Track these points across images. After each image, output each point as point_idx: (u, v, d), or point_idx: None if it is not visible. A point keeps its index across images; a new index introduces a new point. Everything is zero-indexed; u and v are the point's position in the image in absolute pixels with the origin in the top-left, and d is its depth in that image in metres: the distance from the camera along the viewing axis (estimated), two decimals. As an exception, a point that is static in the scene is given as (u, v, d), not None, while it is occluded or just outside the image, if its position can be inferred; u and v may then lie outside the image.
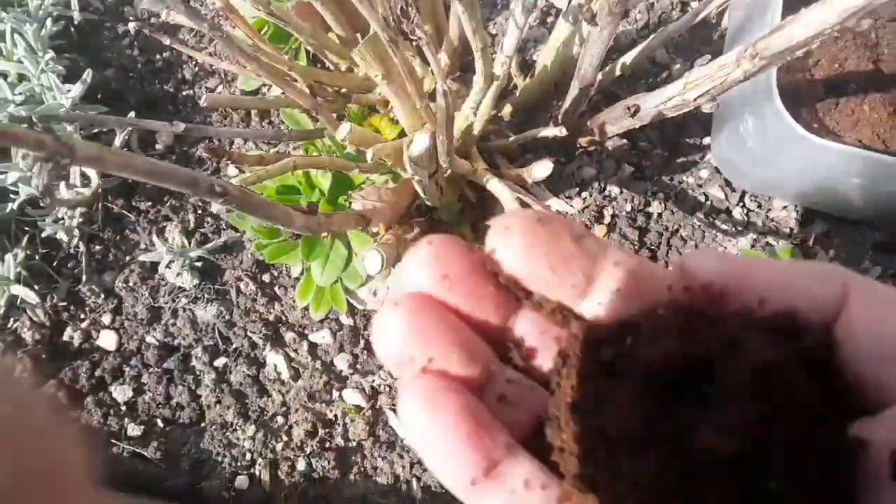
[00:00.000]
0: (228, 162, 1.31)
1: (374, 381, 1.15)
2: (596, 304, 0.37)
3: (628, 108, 0.97)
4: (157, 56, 1.42)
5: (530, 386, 0.37)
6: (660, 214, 1.20)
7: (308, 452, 1.10)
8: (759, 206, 1.21)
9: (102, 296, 1.23)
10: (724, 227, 1.19)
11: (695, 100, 0.86)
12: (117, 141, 1.23)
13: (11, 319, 1.21)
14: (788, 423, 0.31)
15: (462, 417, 0.34)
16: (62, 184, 1.11)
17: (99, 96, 1.30)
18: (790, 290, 0.34)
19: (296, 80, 1.07)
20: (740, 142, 1.06)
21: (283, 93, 1.07)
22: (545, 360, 0.38)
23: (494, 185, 0.91)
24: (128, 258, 1.26)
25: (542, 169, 0.91)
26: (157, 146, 1.32)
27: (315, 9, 1.11)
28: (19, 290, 1.15)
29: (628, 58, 1.07)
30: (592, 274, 0.36)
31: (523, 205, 0.88)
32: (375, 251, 0.87)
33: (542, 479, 0.35)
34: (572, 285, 0.36)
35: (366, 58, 0.82)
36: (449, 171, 0.93)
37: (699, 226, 1.19)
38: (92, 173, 1.04)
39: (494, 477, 0.34)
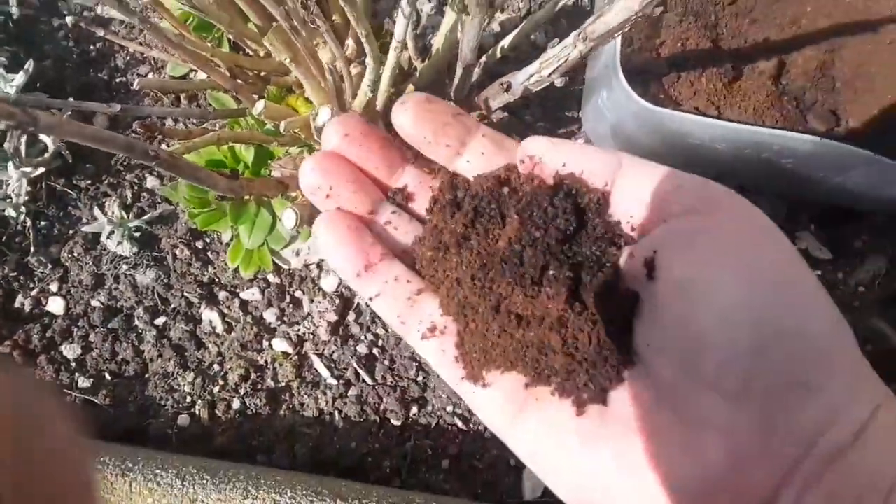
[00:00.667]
0: (159, 139, 1.44)
1: (299, 330, 1.31)
2: (465, 163, 0.58)
3: (502, 85, 1.15)
4: (91, 47, 1.54)
5: (409, 219, 0.59)
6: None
7: (242, 394, 1.26)
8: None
9: (49, 266, 1.35)
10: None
11: (549, 76, 1.05)
12: (57, 125, 1.35)
13: (-36, 290, 1.33)
14: (549, 238, 0.52)
15: (349, 230, 0.56)
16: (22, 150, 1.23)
17: (38, 85, 1.41)
18: (580, 163, 0.54)
19: (219, 66, 1.22)
20: (600, 113, 1.26)
21: (207, 77, 1.23)
22: (422, 203, 0.60)
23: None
24: (71, 231, 1.38)
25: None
26: (96, 125, 1.45)
27: (233, 0, 1.26)
28: (-29, 262, 1.27)
29: (506, 41, 1.25)
30: (465, 140, 0.58)
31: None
32: (291, 209, 1.03)
33: (408, 276, 0.57)
34: (447, 145, 0.57)
35: (274, 44, 0.98)
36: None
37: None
38: (48, 141, 1.18)
39: (373, 272, 0.56)
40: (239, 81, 1.12)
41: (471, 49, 1.14)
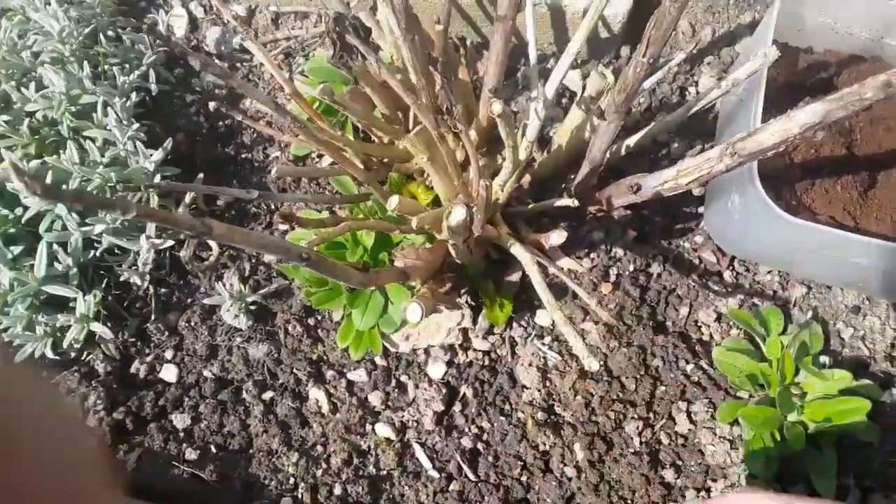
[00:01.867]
0: (280, 220, 1.49)
1: (403, 416, 1.30)
2: None
3: (631, 187, 1.14)
4: (220, 123, 1.62)
5: None
6: (659, 275, 1.36)
7: (344, 479, 1.25)
8: (747, 270, 1.37)
9: (166, 333, 1.39)
10: (715, 287, 1.35)
11: (686, 185, 1.03)
12: (187, 199, 1.42)
13: (85, 353, 1.38)
14: None
15: None
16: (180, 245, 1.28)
17: (170, 158, 1.48)
18: None
19: (346, 151, 1.26)
20: (728, 216, 1.23)
21: (335, 163, 1.26)
22: None
23: (516, 249, 1.08)
24: (190, 300, 1.43)
25: (557, 237, 1.08)
26: (219, 202, 1.51)
27: (365, 92, 1.31)
28: (97, 327, 1.32)
29: (631, 140, 1.25)
30: None
31: (541, 266, 1.04)
32: (416, 304, 1.03)
33: None
34: None
35: (415, 144, 1.00)
36: (477, 236, 1.11)
37: (693, 286, 1.35)
38: (214, 245, 1.25)
39: None
40: (369, 173, 1.15)
41: (601, 151, 1.13)
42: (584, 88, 1.22)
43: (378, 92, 1.30)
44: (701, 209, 1.42)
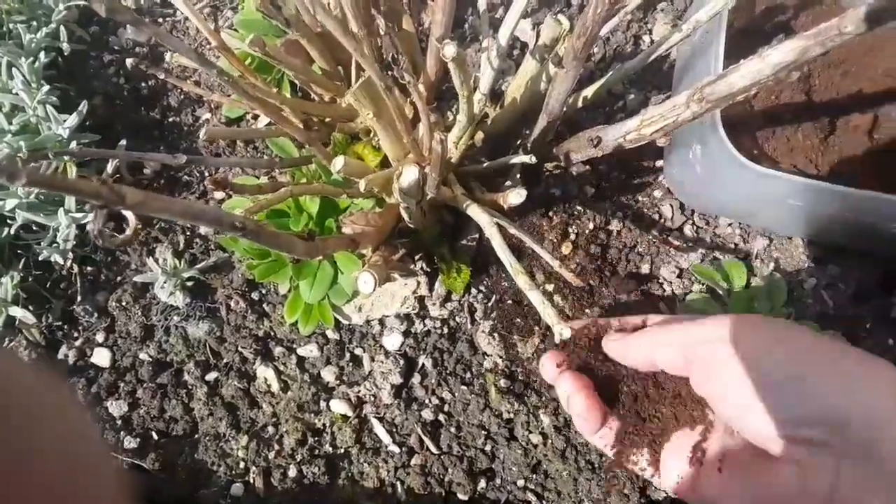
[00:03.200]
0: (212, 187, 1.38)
1: (359, 391, 1.23)
2: None
3: (591, 140, 1.07)
4: (143, 84, 1.48)
5: None
6: (619, 232, 1.32)
7: (299, 460, 1.18)
8: (707, 224, 1.33)
9: (96, 315, 1.28)
10: (676, 243, 1.31)
11: (650, 135, 0.97)
12: (109, 167, 1.29)
13: (6, 339, 1.26)
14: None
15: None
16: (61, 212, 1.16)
17: (88, 124, 1.35)
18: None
19: (283, 110, 1.16)
20: (689, 168, 1.18)
21: (273, 125, 1.16)
22: None
23: (474, 211, 1.01)
24: (119, 278, 1.31)
25: (516, 196, 1.01)
26: (146, 171, 1.39)
27: (301, 45, 1.20)
28: (17, 312, 1.20)
29: (588, 91, 1.18)
30: None
31: (501, 229, 0.97)
32: (369, 273, 0.96)
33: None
34: None
35: (360, 99, 0.91)
36: (430, 198, 1.03)
37: (654, 242, 1.31)
38: (130, 215, 1.11)
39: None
40: (311, 133, 1.05)
41: (559, 102, 1.06)
42: (537, 37, 1.14)
43: (315, 44, 1.20)
44: (660, 162, 1.37)
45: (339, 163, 0.95)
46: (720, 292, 1.22)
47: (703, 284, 1.27)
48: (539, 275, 1.27)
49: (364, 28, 1.07)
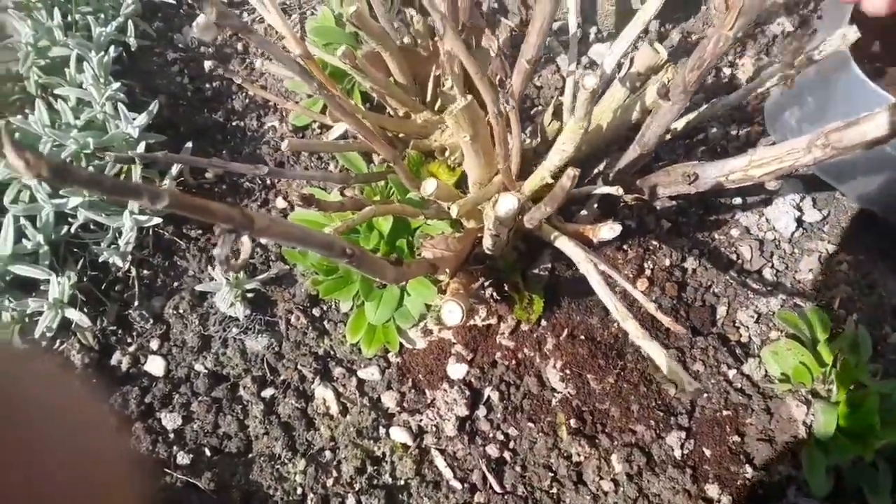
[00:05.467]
0: (277, 196, 1.34)
1: (420, 420, 1.18)
2: None
3: (687, 175, 1.03)
4: (207, 85, 1.45)
5: None
6: (695, 270, 1.27)
7: (357, 489, 1.13)
8: (787, 267, 1.28)
9: (151, 321, 1.24)
10: (754, 286, 1.26)
11: (759, 177, 0.92)
12: (174, 170, 1.25)
13: (59, 342, 1.22)
14: None
15: None
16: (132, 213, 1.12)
17: (152, 123, 1.31)
18: None
19: (363, 123, 1.12)
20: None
21: (350, 138, 1.12)
22: None
23: (564, 244, 0.96)
24: (176, 284, 1.27)
25: (608, 231, 0.96)
26: (207, 174, 1.35)
27: (380, 58, 1.16)
28: (73, 314, 1.16)
29: (679, 124, 1.13)
30: None
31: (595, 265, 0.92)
32: (455, 303, 0.91)
33: None
34: None
35: (460, 121, 0.86)
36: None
37: (731, 283, 1.26)
38: (245, 239, 1.08)
39: None
40: (396, 151, 1.01)
41: (657, 135, 1.02)
42: (630, 64, 1.10)
43: (396, 58, 1.16)
44: (737, 200, 1.32)
45: (430, 186, 0.91)
46: (804, 340, 1.17)
47: (781, 331, 1.22)
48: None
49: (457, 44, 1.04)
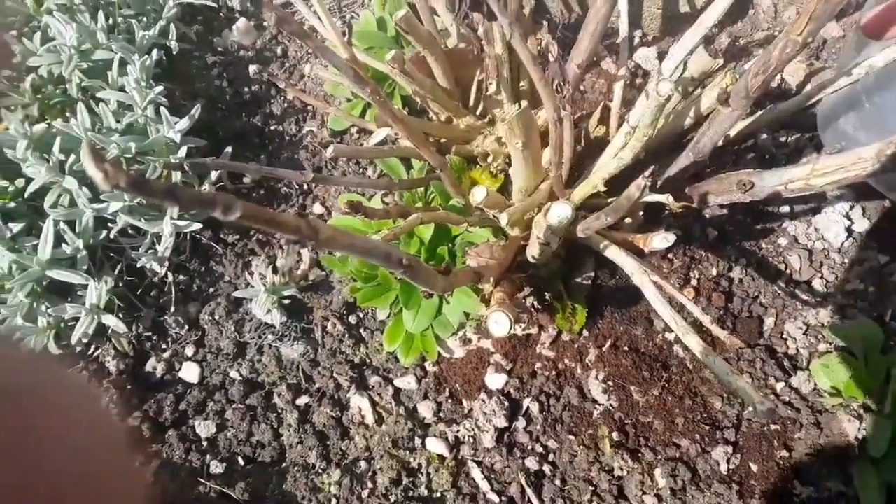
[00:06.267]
0: (315, 202, 1.33)
1: (457, 431, 1.15)
2: None
3: (743, 184, 0.99)
4: (246, 89, 1.44)
5: None
6: (741, 280, 1.23)
7: (393, 501, 1.11)
8: (837, 278, 1.24)
9: (186, 327, 1.23)
10: (804, 297, 1.22)
11: (821, 186, 0.89)
12: (213, 175, 1.24)
13: (94, 347, 1.21)
14: None
15: None
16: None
17: (192, 127, 1.30)
18: None
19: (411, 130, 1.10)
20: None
21: (391, 143, 1.10)
22: None
23: (615, 254, 0.94)
24: (212, 290, 1.26)
25: (661, 241, 0.93)
26: (245, 179, 1.34)
27: (426, 62, 1.14)
28: (110, 320, 1.15)
29: (733, 130, 1.10)
30: None
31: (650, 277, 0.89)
32: (503, 313, 0.88)
33: None
34: None
35: (513, 127, 0.84)
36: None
37: (779, 294, 1.22)
38: (305, 252, 1.10)
39: None
40: (443, 158, 0.99)
41: (713, 142, 0.99)
42: (684, 69, 1.07)
43: (441, 62, 1.14)
44: (785, 208, 1.28)
45: (479, 194, 0.89)
46: (855, 353, 1.13)
47: (829, 344, 1.18)
48: (657, 321, 1.19)
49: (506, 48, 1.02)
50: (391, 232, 0.87)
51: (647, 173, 0.75)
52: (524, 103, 0.82)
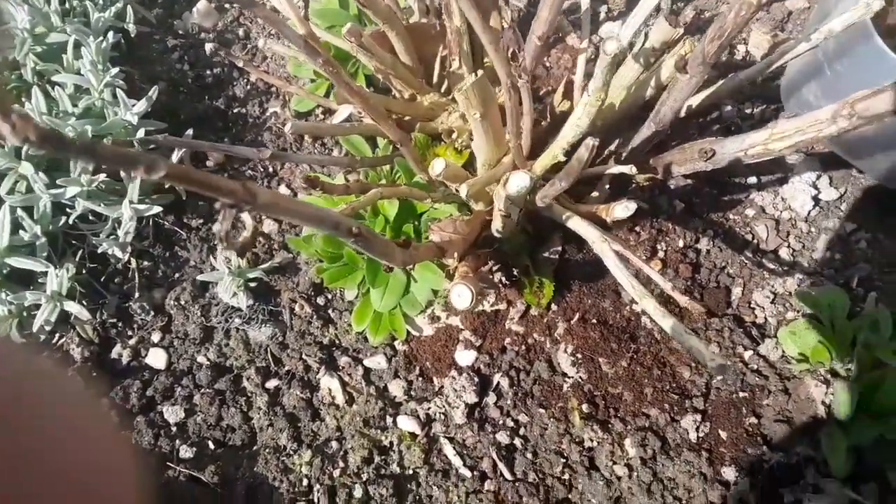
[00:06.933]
0: (280, 184, 1.31)
1: (428, 408, 1.15)
2: None
3: (704, 152, 0.99)
4: (207, 72, 1.42)
5: None
6: (709, 251, 1.23)
7: (365, 479, 1.10)
8: (804, 247, 1.25)
9: (152, 313, 1.22)
10: (770, 266, 1.22)
11: (779, 151, 0.89)
12: (174, 157, 1.22)
13: (59, 335, 1.19)
14: None
15: None
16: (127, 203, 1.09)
17: (151, 110, 1.28)
18: None
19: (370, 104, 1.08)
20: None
21: (357, 121, 1.09)
22: None
23: (577, 224, 0.93)
24: (178, 275, 1.25)
25: (623, 210, 0.93)
26: (209, 163, 1.32)
27: (386, 37, 1.13)
28: (73, 307, 1.14)
29: (695, 100, 1.10)
30: None
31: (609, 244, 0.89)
32: (464, 286, 0.88)
33: None
34: None
35: (470, 97, 0.83)
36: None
37: (746, 264, 1.22)
38: (247, 217, 1.05)
39: None
40: (406, 133, 0.98)
41: (673, 111, 0.99)
42: (644, 39, 1.06)
43: (402, 38, 1.13)
44: (752, 179, 1.29)
45: (438, 166, 0.88)
46: (822, 320, 1.14)
47: (797, 312, 1.18)
48: (625, 293, 1.19)
49: (463, 18, 1.01)
50: (349, 207, 0.86)
51: (593, 138, 0.74)
52: (480, 72, 0.81)
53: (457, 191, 0.89)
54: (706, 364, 0.65)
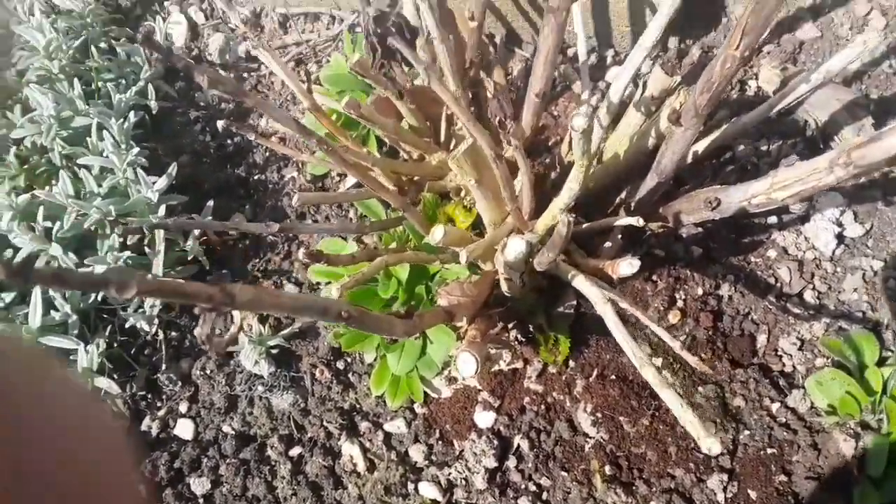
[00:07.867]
0: (300, 248, 1.34)
1: (449, 473, 1.14)
2: None
3: (709, 202, 0.98)
4: (228, 141, 1.47)
5: None
6: (730, 297, 1.20)
7: (387, 547, 1.10)
8: (830, 289, 1.20)
9: (179, 384, 1.24)
10: (795, 310, 1.18)
11: (782, 200, 0.87)
12: (196, 231, 1.26)
13: (90, 408, 1.23)
14: None
15: None
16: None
17: (175, 183, 1.33)
18: None
19: (373, 171, 1.11)
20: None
21: (363, 187, 1.11)
22: None
23: (581, 284, 0.92)
24: (203, 345, 1.28)
25: (627, 267, 0.92)
26: (231, 232, 1.35)
27: (391, 101, 1.15)
28: (103, 382, 1.17)
29: (700, 146, 1.09)
30: None
31: (613, 304, 0.88)
32: (469, 353, 0.88)
33: None
34: None
35: (462, 165, 0.84)
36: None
37: (770, 309, 1.19)
38: (235, 312, 1.11)
39: None
40: (405, 198, 0.99)
41: (673, 162, 0.98)
42: (643, 88, 1.06)
43: (405, 101, 1.15)
44: (772, 219, 1.25)
45: (438, 233, 0.89)
46: (850, 367, 1.09)
47: (826, 358, 1.14)
48: (644, 346, 1.17)
49: (461, 84, 1.02)
50: (352, 279, 0.88)
51: (568, 212, 0.74)
52: (469, 141, 0.82)
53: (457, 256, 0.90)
54: (698, 443, 0.63)
